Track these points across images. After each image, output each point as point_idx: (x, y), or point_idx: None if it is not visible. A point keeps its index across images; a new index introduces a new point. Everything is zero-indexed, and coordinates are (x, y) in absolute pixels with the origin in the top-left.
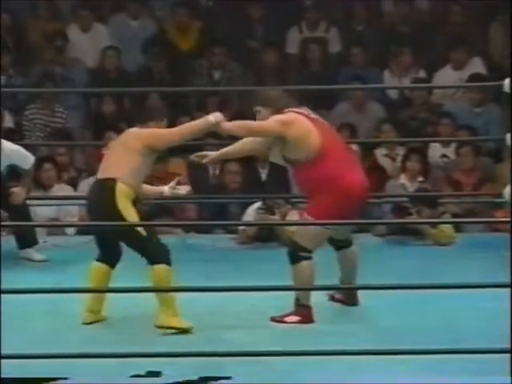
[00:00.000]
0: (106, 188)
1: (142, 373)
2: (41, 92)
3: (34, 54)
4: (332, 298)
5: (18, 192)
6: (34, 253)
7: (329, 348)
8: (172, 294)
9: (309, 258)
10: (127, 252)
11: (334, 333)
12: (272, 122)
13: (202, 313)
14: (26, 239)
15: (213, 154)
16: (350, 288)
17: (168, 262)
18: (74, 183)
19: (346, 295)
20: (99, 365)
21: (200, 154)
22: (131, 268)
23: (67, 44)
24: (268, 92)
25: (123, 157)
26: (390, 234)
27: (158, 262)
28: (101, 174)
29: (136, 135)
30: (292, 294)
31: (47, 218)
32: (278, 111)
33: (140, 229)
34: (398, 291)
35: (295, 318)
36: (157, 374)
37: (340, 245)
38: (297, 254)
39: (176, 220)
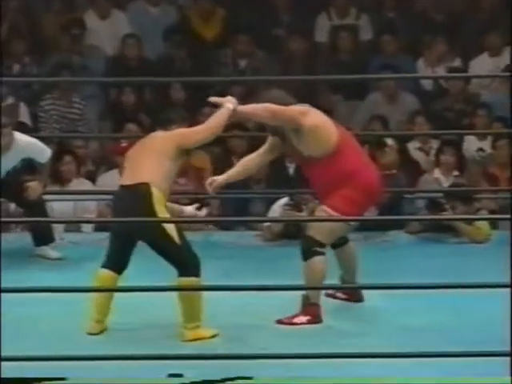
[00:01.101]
0: (142, 194)
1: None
2: (57, 81)
3: (51, 41)
4: (333, 296)
5: (33, 187)
6: (49, 250)
7: (350, 349)
8: (198, 305)
9: (322, 254)
10: (135, 255)
11: (356, 334)
12: (291, 109)
13: (224, 312)
14: (43, 236)
15: (219, 178)
16: (360, 287)
17: (197, 275)
18: (91, 177)
19: (350, 292)
20: (119, 367)
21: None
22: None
23: (85, 32)
24: (270, 93)
25: (153, 160)
26: (424, 231)
27: (188, 275)
28: (129, 180)
29: (165, 138)
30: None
31: (64, 214)
32: None
33: (174, 236)
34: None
35: (304, 319)
36: (179, 376)
37: (338, 242)
38: (311, 250)
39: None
